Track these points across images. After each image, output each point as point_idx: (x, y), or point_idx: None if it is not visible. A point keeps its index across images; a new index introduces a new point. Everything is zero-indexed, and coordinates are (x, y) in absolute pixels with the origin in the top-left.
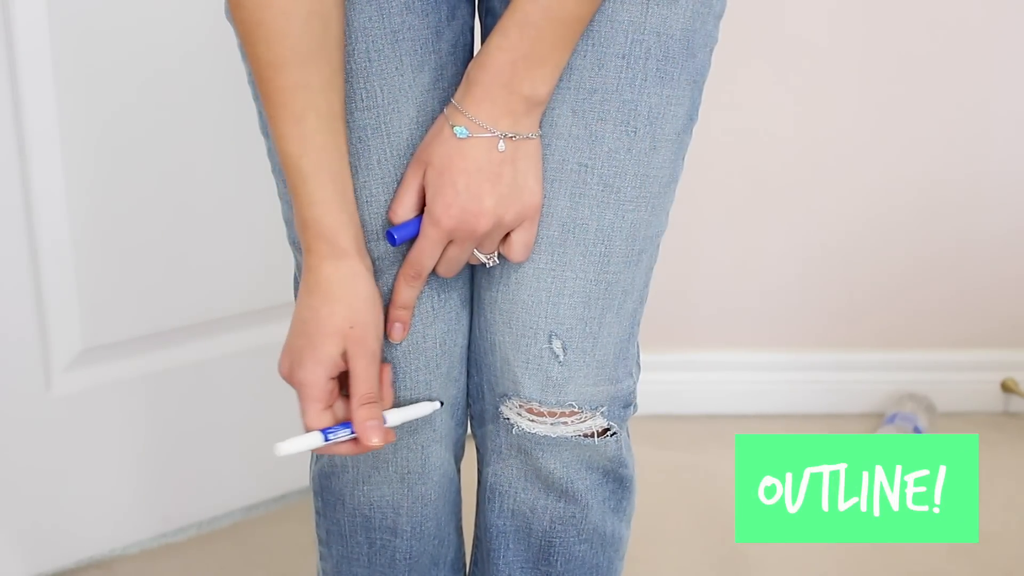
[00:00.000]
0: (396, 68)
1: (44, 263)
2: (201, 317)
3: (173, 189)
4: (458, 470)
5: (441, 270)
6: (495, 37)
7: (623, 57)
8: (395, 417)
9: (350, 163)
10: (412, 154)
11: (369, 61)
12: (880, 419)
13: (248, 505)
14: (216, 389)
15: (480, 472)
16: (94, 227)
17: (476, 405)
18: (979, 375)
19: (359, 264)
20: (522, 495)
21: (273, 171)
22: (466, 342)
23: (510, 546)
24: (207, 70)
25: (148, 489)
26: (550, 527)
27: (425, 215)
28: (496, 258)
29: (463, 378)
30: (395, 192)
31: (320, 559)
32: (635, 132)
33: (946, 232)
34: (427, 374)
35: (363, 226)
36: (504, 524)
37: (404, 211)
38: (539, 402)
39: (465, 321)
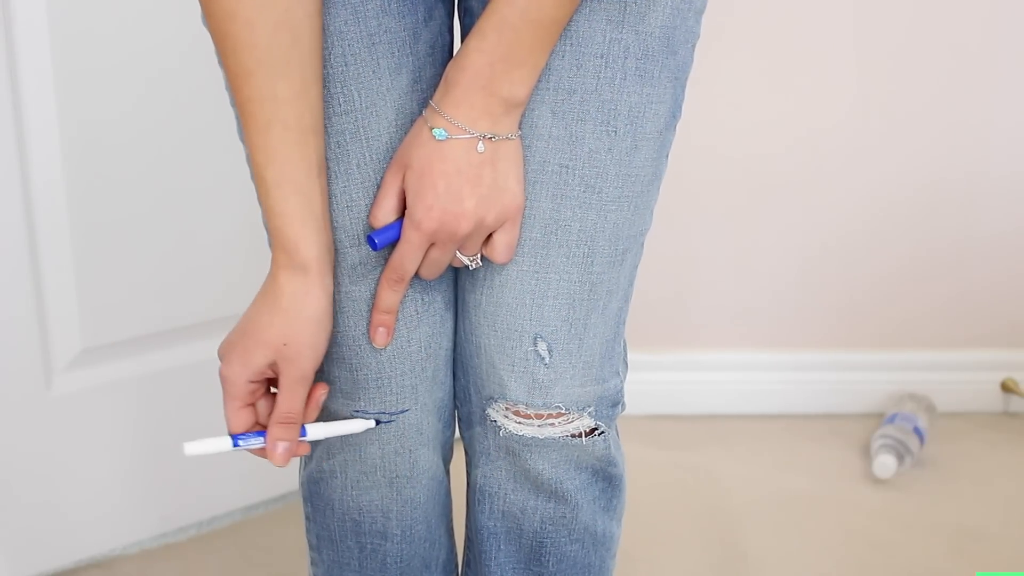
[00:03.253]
0: (373, 72)
1: (44, 263)
2: (201, 317)
3: (173, 189)
4: (447, 472)
5: (424, 273)
6: (473, 39)
7: (601, 57)
8: (317, 431)
9: (330, 168)
10: (392, 157)
11: (346, 65)
12: (880, 419)
13: (248, 505)
14: (215, 389)
15: (469, 474)
16: (94, 227)
17: (463, 407)
18: (979, 375)
19: (316, 281)
20: (512, 496)
21: (252, 178)
22: (451, 345)
23: (501, 547)
24: (207, 71)
25: (148, 489)
26: (540, 527)
27: (406, 218)
28: (479, 260)
29: (449, 381)
30: (375, 196)
31: (311, 564)
32: (615, 132)
33: (946, 232)
34: (412, 378)
35: (344, 230)
36: (495, 525)
37: (384, 215)
38: (526, 404)
39: (450, 324)
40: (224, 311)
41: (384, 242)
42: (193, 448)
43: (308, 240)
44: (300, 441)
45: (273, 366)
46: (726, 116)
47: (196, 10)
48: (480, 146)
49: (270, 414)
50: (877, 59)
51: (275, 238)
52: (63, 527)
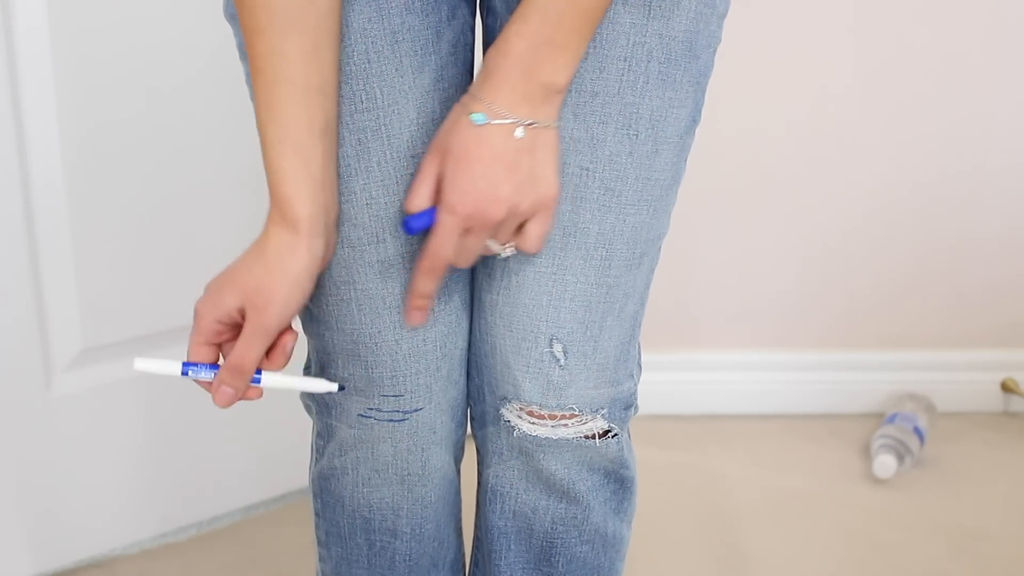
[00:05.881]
0: (396, 69)
1: (44, 263)
2: None
3: (173, 189)
4: (458, 471)
5: (457, 261)
6: (514, 23)
7: (624, 60)
8: (272, 381)
9: (350, 165)
10: (412, 156)
11: (368, 63)
12: (880, 419)
13: (248, 505)
14: None
15: (481, 473)
16: (94, 227)
17: (476, 407)
18: (979, 375)
19: (303, 241)
20: (523, 496)
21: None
22: (466, 344)
23: (511, 547)
24: (208, 70)
25: (148, 489)
26: (551, 528)
27: (442, 203)
28: (512, 248)
29: (463, 380)
30: (411, 182)
31: (319, 560)
32: (636, 135)
33: (946, 232)
34: (427, 377)
35: (363, 228)
36: (505, 525)
37: (420, 201)
38: (540, 405)
39: (465, 324)
40: None
41: (419, 227)
42: (142, 365)
43: (301, 198)
44: (252, 386)
45: (242, 311)
46: (726, 116)
47: (197, 11)
48: (519, 132)
49: None
50: (877, 60)
51: (272, 194)
52: (63, 527)
